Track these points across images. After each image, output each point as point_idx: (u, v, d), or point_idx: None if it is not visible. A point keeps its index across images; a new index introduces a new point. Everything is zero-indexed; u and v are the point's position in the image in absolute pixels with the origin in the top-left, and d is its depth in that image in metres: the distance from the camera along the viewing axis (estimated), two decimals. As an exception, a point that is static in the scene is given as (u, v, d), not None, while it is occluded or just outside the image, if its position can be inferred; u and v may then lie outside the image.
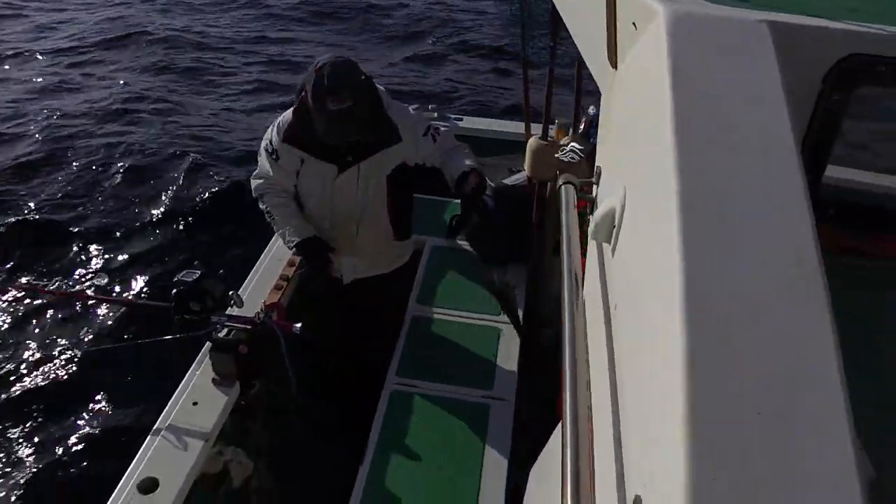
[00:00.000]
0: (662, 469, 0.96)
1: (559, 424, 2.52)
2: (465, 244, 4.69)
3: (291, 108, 3.62)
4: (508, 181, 4.54)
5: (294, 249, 3.70)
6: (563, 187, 2.04)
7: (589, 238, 1.80)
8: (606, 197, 1.74)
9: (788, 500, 0.90)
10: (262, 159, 3.69)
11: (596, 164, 2.10)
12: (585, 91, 4.09)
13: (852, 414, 0.95)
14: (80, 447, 4.83)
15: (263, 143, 3.68)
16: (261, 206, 3.74)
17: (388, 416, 3.54)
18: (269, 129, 3.69)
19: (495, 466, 3.31)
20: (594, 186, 2.09)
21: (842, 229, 1.69)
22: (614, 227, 1.57)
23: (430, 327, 4.10)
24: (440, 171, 3.80)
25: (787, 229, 1.12)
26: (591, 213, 2.02)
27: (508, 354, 3.92)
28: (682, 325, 1.02)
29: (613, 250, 1.60)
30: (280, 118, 3.68)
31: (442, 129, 3.81)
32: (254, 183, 3.75)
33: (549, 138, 4.14)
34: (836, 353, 0.99)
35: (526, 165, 4.24)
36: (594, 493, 1.16)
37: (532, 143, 4.18)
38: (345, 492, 3.22)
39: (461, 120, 5.97)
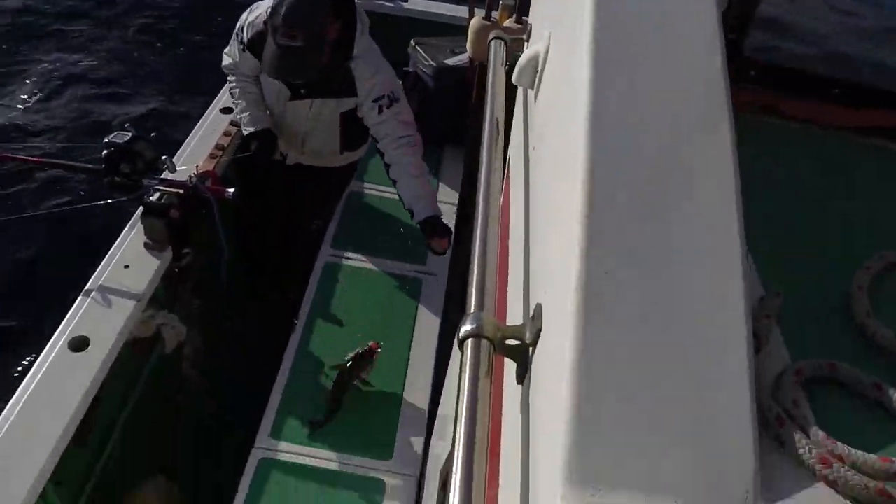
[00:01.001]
0: (562, 270, 1.00)
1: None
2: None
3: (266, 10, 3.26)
4: (450, 62, 4.50)
5: (246, 134, 3.60)
6: (492, 42, 2.05)
7: (514, 83, 1.82)
8: (530, 46, 1.77)
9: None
10: (233, 41, 3.55)
11: (528, 20, 2.12)
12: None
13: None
14: (11, 308, 4.82)
15: (237, 26, 3.48)
16: (228, 80, 3.67)
17: (321, 285, 3.59)
18: (246, 15, 3.46)
19: (426, 334, 3.40)
20: (524, 43, 2.11)
21: (762, 89, 1.74)
22: (537, 71, 1.60)
23: (367, 202, 4.13)
24: None
25: (696, 65, 1.15)
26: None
27: None
28: (586, 150, 1.05)
29: (536, 95, 1.64)
30: (257, 9, 3.41)
31: (396, 105, 3.45)
32: (225, 60, 3.61)
33: (492, 19, 4.10)
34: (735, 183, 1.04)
35: (468, 46, 4.20)
36: (506, 310, 1.21)
37: (474, 22, 4.13)
38: (276, 358, 3.28)
39: (406, 1, 5.85)
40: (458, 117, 4.44)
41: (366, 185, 4.22)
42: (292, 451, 2.97)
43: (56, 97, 6.78)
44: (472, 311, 1.14)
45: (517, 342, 1.14)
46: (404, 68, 4.66)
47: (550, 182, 1.27)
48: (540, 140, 1.51)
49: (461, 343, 1.10)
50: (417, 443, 3.04)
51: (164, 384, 3.53)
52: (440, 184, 4.33)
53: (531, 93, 1.75)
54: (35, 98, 6.75)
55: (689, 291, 0.97)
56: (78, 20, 8.07)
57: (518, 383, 1.18)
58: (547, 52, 1.58)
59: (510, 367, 1.20)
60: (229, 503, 2.79)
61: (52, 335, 2.98)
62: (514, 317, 1.27)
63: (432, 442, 2.94)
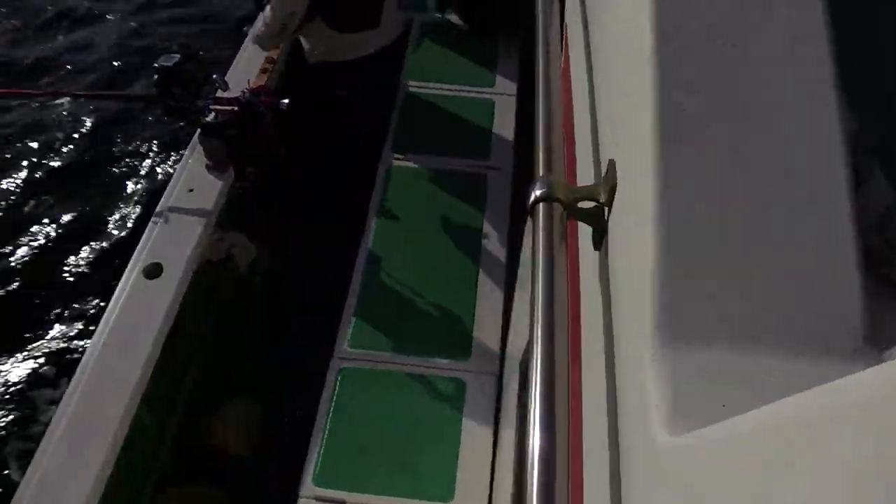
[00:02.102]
0: (633, 117, 0.93)
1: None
2: (453, 17, 4.53)
3: None
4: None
5: None
6: None
7: None
8: None
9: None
10: None
11: None
12: None
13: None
14: (82, 238, 4.86)
15: None
16: None
17: (386, 191, 3.54)
18: None
19: (496, 230, 3.35)
20: None
21: None
22: None
23: (423, 102, 4.03)
24: None
25: None
26: None
27: (504, 124, 3.87)
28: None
29: None
30: None
31: None
32: None
33: None
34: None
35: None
36: (576, 171, 1.14)
37: None
38: (348, 266, 3.27)
39: None
40: (512, 7, 4.27)
41: (418, 83, 4.12)
42: (371, 359, 2.97)
43: (98, 30, 6.76)
44: (541, 174, 1.07)
45: (592, 204, 1.07)
46: None
47: (613, 30, 1.18)
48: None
49: (531, 209, 1.03)
50: (494, 341, 3.02)
51: (239, 304, 3.57)
52: (497, 74, 4.19)
53: None
54: (77, 34, 6.74)
55: (776, 126, 0.87)
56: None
57: (595, 249, 1.11)
58: None
59: (585, 232, 1.13)
60: (312, 414, 2.82)
61: (125, 265, 3.01)
62: (586, 179, 1.19)
63: (509, 339, 2.91)
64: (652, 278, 0.80)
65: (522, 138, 3.84)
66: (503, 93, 4.05)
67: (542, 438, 0.79)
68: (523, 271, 2.77)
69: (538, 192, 1.03)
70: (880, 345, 0.86)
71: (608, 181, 1.03)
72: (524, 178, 3.66)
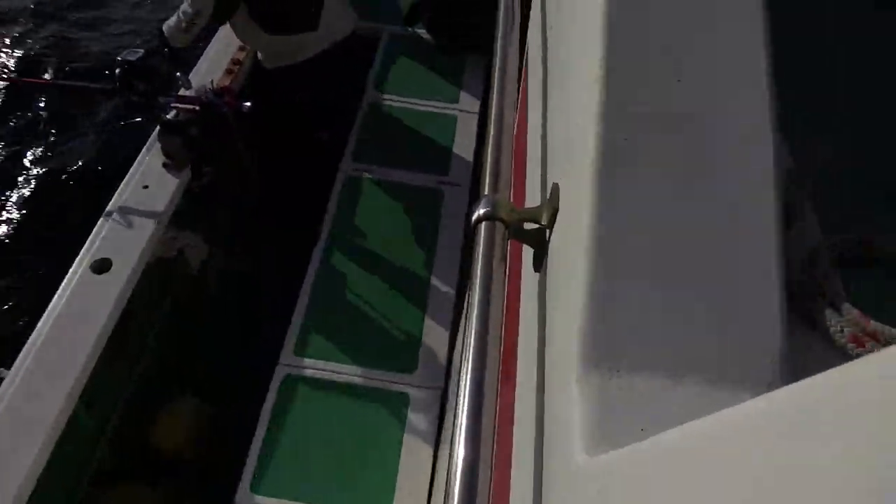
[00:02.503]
0: (578, 143, 0.95)
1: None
2: (422, 32, 4.56)
3: None
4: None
5: None
6: None
7: None
8: None
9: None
10: None
11: None
12: None
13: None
14: (29, 229, 4.80)
15: None
16: None
17: (342, 200, 3.55)
18: None
19: (450, 245, 3.37)
20: None
21: None
22: None
23: (386, 114, 4.04)
24: None
25: None
26: None
27: (464, 141, 3.90)
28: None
29: None
30: None
31: None
32: None
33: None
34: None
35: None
36: (524, 192, 1.16)
37: None
38: (300, 272, 3.26)
39: None
40: (479, 24, 4.30)
41: (383, 96, 4.13)
42: (316, 368, 2.97)
43: (60, 21, 6.67)
44: (486, 193, 1.09)
45: (535, 226, 1.09)
46: None
47: (567, 56, 1.20)
48: (556, 17, 1.44)
49: (474, 227, 1.05)
50: (440, 356, 3.03)
51: (189, 304, 3.54)
52: (461, 90, 4.21)
53: None
54: (40, 22, 6.64)
55: (713, 158, 0.90)
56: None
57: (536, 271, 1.13)
58: None
59: (528, 254, 1.15)
60: (256, 419, 2.81)
61: (73, 259, 2.98)
62: (533, 201, 1.21)
63: (454, 355, 2.93)
64: (582, 301, 0.82)
65: (482, 155, 3.87)
66: (466, 110, 4.08)
67: (466, 449, 0.81)
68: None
69: (481, 211, 1.05)
70: (797, 378, 0.89)
71: (551, 204, 1.05)
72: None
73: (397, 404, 2.88)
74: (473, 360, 0.88)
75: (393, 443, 2.78)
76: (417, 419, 2.84)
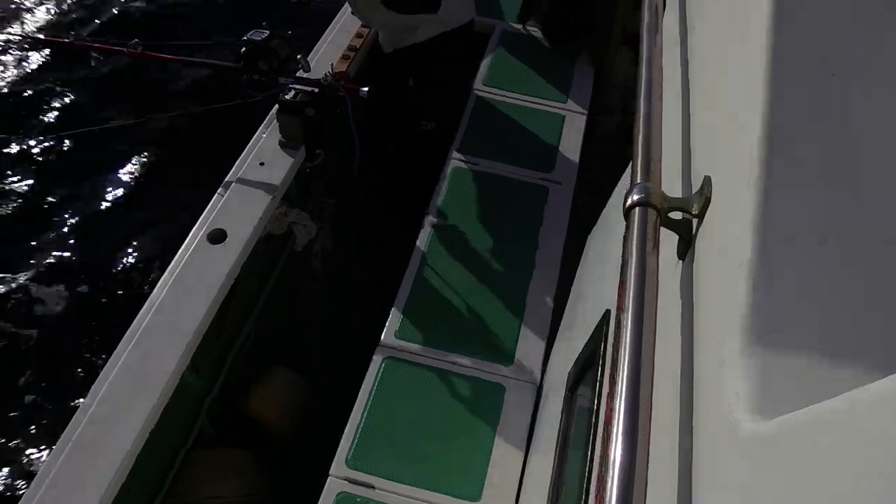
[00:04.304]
0: (736, 138, 0.96)
1: (620, 180, 2.54)
2: (535, 30, 4.58)
3: None
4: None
5: None
6: None
7: None
8: None
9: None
10: None
11: None
12: None
13: None
14: (153, 200, 5.05)
15: None
16: None
17: (446, 189, 3.59)
18: None
19: (551, 243, 3.38)
20: None
21: None
22: None
23: (494, 108, 4.07)
24: None
25: None
26: None
27: (570, 141, 3.90)
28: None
29: None
30: None
31: None
32: None
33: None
34: None
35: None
36: (660, 178, 1.17)
37: None
38: (402, 260, 3.32)
39: None
40: (589, 23, 4.31)
41: (492, 89, 4.16)
42: (415, 352, 3.01)
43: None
44: (639, 180, 1.11)
45: (681, 215, 1.11)
46: None
47: (717, 48, 1.21)
48: (701, 20, 1.45)
49: (627, 212, 1.07)
50: (538, 350, 3.04)
51: (293, 280, 3.63)
52: (570, 90, 4.21)
53: None
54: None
55: (880, 152, 0.91)
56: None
57: (679, 258, 1.14)
58: None
59: (670, 240, 1.16)
60: (352, 398, 2.87)
61: (191, 228, 3.10)
62: (672, 188, 1.22)
63: (549, 361, 2.93)
64: (746, 284, 0.83)
65: (588, 156, 3.87)
66: (574, 109, 4.08)
67: (624, 450, 0.81)
68: (579, 279, 2.80)
69: (635, 197, 1.07)
70: None
71: (703, 194, 1.06)
72: (584, 195, 3.69)
73: (493, 394, 2.90)
74: (631, 352, 0.89)
75: (486, 432, 2.80)
76: (511, 411, 2.86)
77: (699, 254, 1.06)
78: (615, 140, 4.35)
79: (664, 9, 1.75)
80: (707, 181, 1.07)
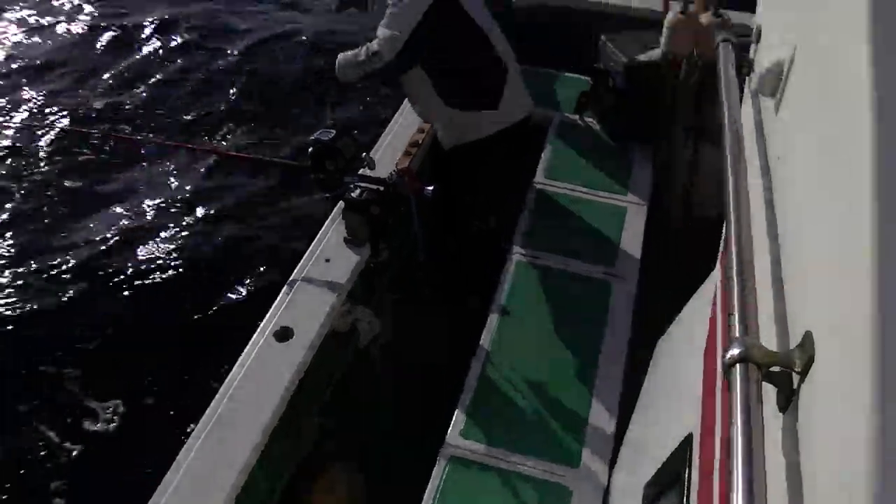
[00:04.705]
0: (841, 295, 0.95)
1: (694, 297, 2.52)
2: (592, 121, 4.62)
3: None
4: (642, 58, 4.38)
5: None
6: (721, 45, 1.98)
7: (747, 92, 1.76)
8: (769, 51, 1.70)
9: None
10: None
11: (756, 23, 2.03)
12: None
13: None
14: (219, 298, 5.11)
15: None
16: None
17: (510, 286, 3.59)
18: None
19: (614, 342, 3.35)
20: (752, 46, 2.03)
21: None
22: (780, 80, 1.54)
23: (554, 201, 4.10)
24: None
25: None
26: (748, 73, 1.97)
27: (633, 234, 3.90)
28: (873, 161, 0.97)
29: (777, 106, 1.57)
30: None
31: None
32: None
33: (688, 13, 4.00)
34: None
35: (662, 41, 4.11)
36: (758, 331, 1.16)
37: (671, 18, 4.04)
38: (466, 356, 3.31)
39: (591, -8, 5.75)
40: (649, 116, 4.34)
41: (552, 182, 4.20)
42: (480, 452, 2.98)
43: (256, 97, 7.26)
44: (737, 334, 1.10)
45: (781, 369, 1.10)
46: (594, 65, 4.60)
47: (815, 194, 1.20)
48: (789, 151, 1.44)
49: (727, 369, 1.06)
50: (604, 454, 2.98)
51: (357, 377, 3.64)
52: (630, 182, 4.24)
53: (766, 100, 1.68)
54: (236, 96, 7.25)
55: None
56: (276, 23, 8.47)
57: (780, 411, 1.13)
58: (793, 60, 1.51)
59: (770, 392, 1.15)
60: (416, 498, 2.84)
61: (257, 324, 3.14)
62: (765, 339, 1.21)
63: (616, 469, 2.88)
64: (864, 461, 0.81)
65: (650, 250, 3.86)
66: (634, 202, 4.09)
67: None
68: (649, 389, 2.76)
69: (736, 352, 1.06)
70: None
71: (804, 352, 1.05)
72: (648, 291, 3.67)
73: (559, 496, 2.85)
74: None
75: None
76: (579, 516, 2.81)
77: (804, 411, 1.04)
78: (676, 234, 4.33)
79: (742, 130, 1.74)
80: (808, 337, 1.05)
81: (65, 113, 7.10)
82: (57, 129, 6.70)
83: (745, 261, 1.25)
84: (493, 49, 3.79)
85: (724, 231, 1.37)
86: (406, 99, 4.27)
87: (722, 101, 1.71)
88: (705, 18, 3.92)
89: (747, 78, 1.93)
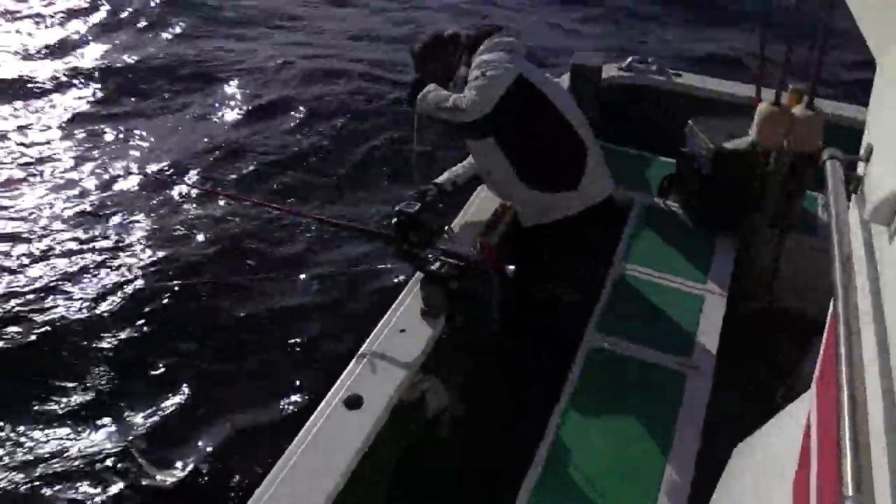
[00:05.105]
0: None
1: (782, 414, 2.44)
2: (675, 206, 4.58)
3: None
4: (729, 145, 4.34)
5: None
6: (828, 162, 1.93)
7: (854, 211, 1.71)
8: (883, 177, 1.65)
9: None
10: None
11: (865, 140, 1.99)
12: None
13: None
14: (290, 362, 5.12)
15: None
16: None
17: (583, 370, 3.54)
18: None
19: (687, 437, 3.26)
20: (860, 164, 1.98)
21: None
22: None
23: (632, 285, 4.04)
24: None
25: None
26: (856, 191, 1.92)
27: (710, 324, 3.82)
28: None
29: (893, 236, 1.52)
30: None
31: (490, 72, 3.64)
32: None
33: (781, 104, 3.95)
34: None
35: (753, 131, 4.07)
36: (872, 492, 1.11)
37: (763, 108, 4.00)
38: (534, 437, 3.26)
39: (680, 76, 5.74)
40: (734, 205, 4.29)
41: (631, 266, 4.16)
42: None
43: (339, 161, 7.45)
44: (850, 492, 1.05)
45: None
46: (681, 149, 4.57)
47: None
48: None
49: None
50: None
51: (425, 448, 3.61)
52: (710, 270, 4.17)
53: (879, 228, 1.63)
54: (319, 161, 7.44)
55: None
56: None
57: None
58: None
59: None
60: None
61: (327, 390, 3.15)
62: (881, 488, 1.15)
63: None
64: None
65: (728, 342, 3.77)
66: (714, 290, 4.01)
67: None
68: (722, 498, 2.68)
69: None
70: None
71: None
72: (725, 384, 3.58)
73: None
74: None
75: None
76: None
77: None
78: (757, 327, 4.24)
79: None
80: None
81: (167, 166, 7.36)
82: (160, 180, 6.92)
83: (858, 416, 1.18)
84: (574, 129, 3.81)
85: (820, 359, 1.32)
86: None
87: (831, 225, 1.66)
88: (799, 111, 3.88)
89: (854, 195, 1.88)
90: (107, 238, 6.15)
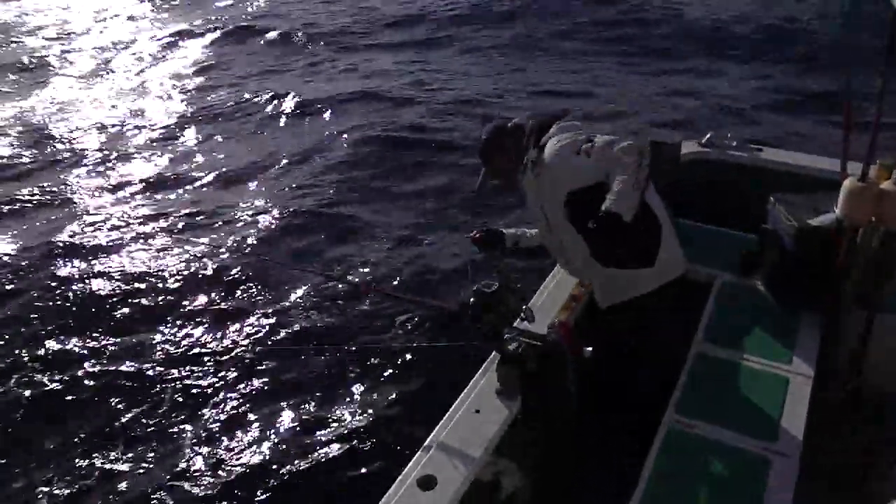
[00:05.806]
0: None
1: None
2: (758, 283, 4.48)
3: None
4: (814, 222, 4.25)
5: None
6: None
7: None
8: None
9: None
10: None
11: None
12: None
13: None
14: (361, 438, 5.12)
15: None
16: None
17: (662, 453, 3.45)
18: None
19: None
20: None
21: None
22: None
23: (714, 366, 3.95)
24: None
25: None
26: None
27: (795, 406, 3.69)
28: None
29: None
30: None
31: (598, 144, 3.51)
32: None
33: (868, 179, 3.86)
34: None
35: (839, 207, 3.98)
36: None
37: (849, 184, 3.91)
38: None
39: (761, 150, 5.66)
40: (819, 283, 4.17)
41: (711, 345, 4.06)
42: None
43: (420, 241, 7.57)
44: None
45: None
46: (763, 225, 4.49)
47: None
48: None
49: None
50: None
51: None
52: (795, 351, 4.04)
53: None
54: (398, 239, 7.56)
55: None
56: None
57: None
58: None
59: None
60: None
61: (400, 470, 3.13)
62: None
63: None
64: None
65: (815, 426, 3.64)
66: (799, 372, 3.88)
67: None
68: None
69: None
70: None
71: None
72: (812, 472, 3.44)
73: None
74: None
75: None
76: None
77: None
78: (844, 412, 4.09)
79: None
80: None
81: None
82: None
83: None
84: (649, 208, 3.77)
85: None
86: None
87: None
88: (887, 186, 3.78)
89: None
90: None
